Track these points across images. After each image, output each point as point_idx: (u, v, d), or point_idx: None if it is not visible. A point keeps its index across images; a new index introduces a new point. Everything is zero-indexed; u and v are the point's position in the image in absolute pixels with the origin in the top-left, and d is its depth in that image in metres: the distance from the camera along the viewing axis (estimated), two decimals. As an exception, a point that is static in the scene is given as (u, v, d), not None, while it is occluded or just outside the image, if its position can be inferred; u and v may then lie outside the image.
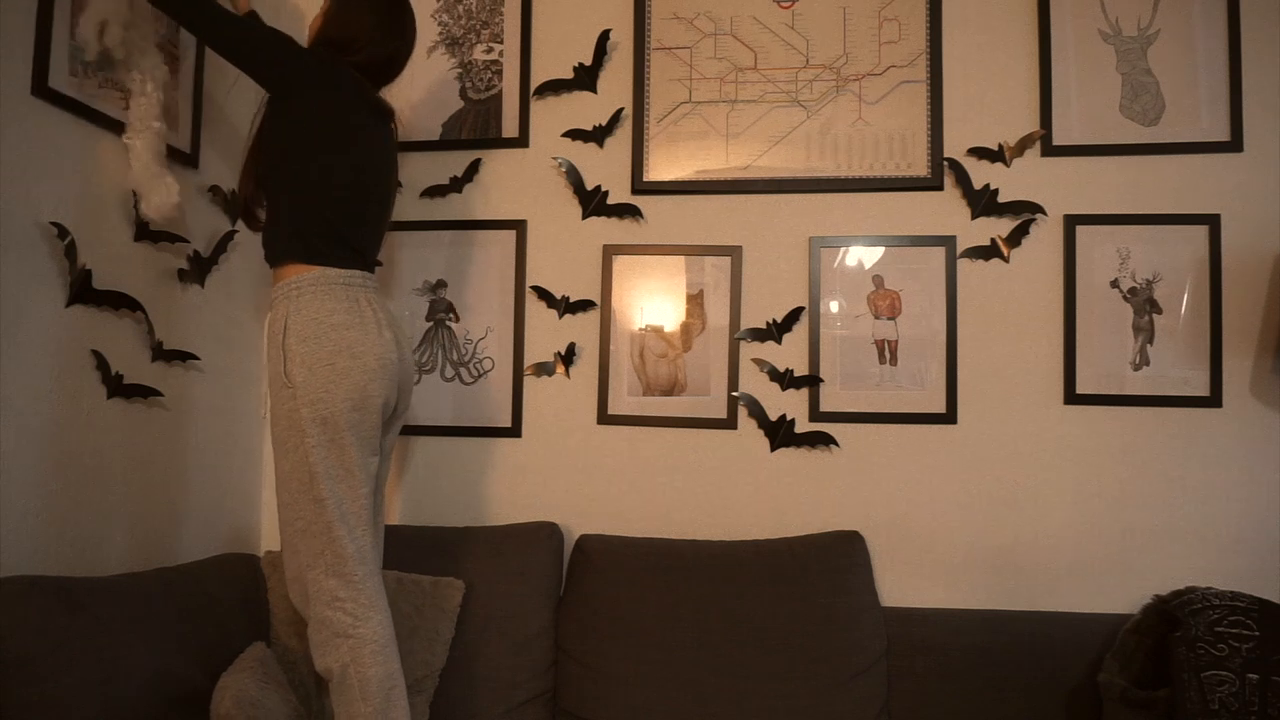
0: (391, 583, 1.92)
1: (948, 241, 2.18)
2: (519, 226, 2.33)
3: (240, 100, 2.16)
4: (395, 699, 1.59)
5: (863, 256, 2.22)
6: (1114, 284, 2.13)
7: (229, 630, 1.79)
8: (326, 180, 1.71)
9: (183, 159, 2.01)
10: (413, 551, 2.04)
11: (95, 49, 1.73)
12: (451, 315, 2.34)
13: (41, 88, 1.63)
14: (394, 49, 1.86)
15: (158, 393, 1.91)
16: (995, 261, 2.18)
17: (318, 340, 1.62)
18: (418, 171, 2.36)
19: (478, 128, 2.36)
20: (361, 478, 1.65)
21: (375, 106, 1.81)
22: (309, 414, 1.60)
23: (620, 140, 2.31)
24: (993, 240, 2.17)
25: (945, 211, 2.20)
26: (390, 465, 1.93)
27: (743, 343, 2.25)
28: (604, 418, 2.27)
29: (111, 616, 1.52)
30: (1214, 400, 2.07)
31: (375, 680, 1.57)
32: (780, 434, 2.20)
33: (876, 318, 2.21)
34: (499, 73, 2.37)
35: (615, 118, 2.31)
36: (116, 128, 1.79)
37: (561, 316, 2.31)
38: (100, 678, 1.43)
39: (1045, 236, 2.16)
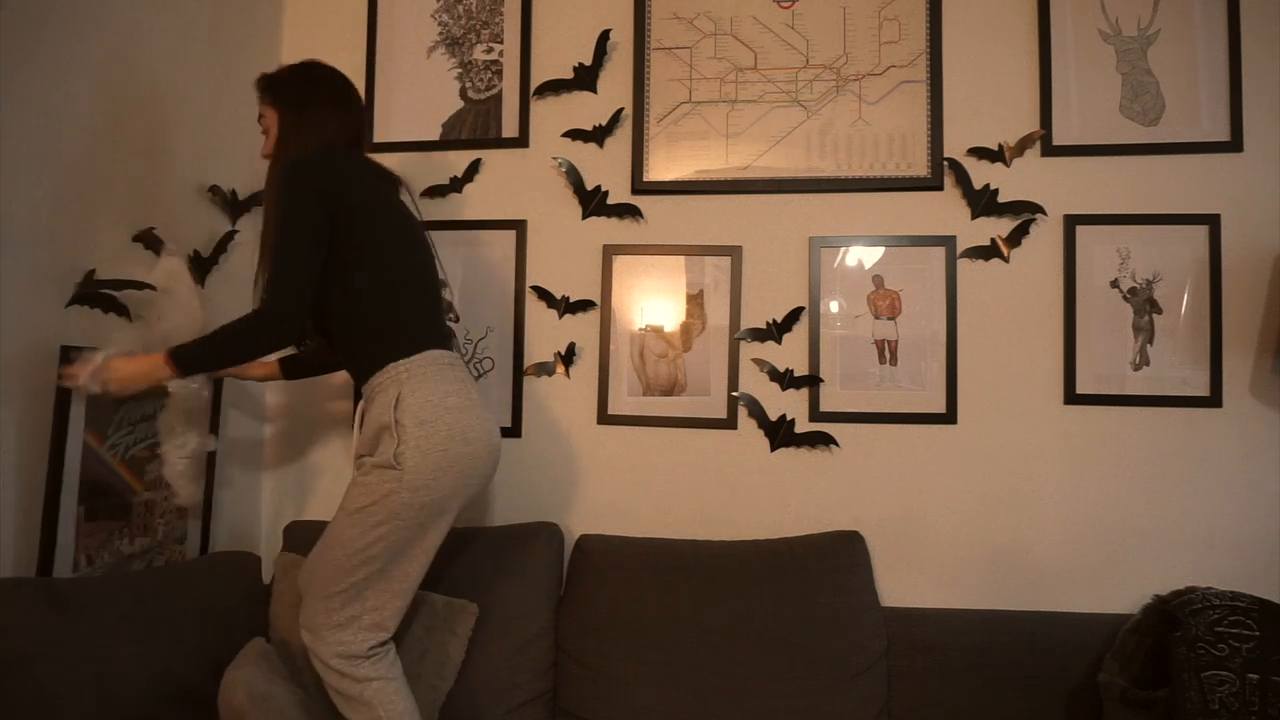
0: None
1: (948, 241, 2.18)
2: (519, 226, 2.33)
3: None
4: None
5: (863, 256, 2.22)
6: (1114, 284, 2.13)
7: (227, 625, 1.79)
8: (392, 278, 1.68)
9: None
10: (413, 551, 2.04)
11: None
12: (451, 315, 2.34)
13: None
14: (357, 123, 1.82)
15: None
16: (995, 261, 2.18)
17: (433, 424, 1.60)
18: (418, 171, 2.35)
19: (478, 128, 2.36)
20: (430, 557, 1.68)
21: (384, 176, 1.80)
22: (411, 499, 1.58)
23: (620, 140, 2.31)
24: (993, 240, 2.17)
25: (945, 211, 2.20)
26: None
27: (743, 343, 2.25)
28: (604, 418, 2.27)
29: (101, 615, 1.52)
30: (1214, 400, 2.07)
31: (406, 715, 1.64)
32: (780, 434, 2.20)
33: (876, 318, 2.21)
34: (499, 73, 2.37)
35: (615, 118, 2.31)
36: None
37: (561, 316, 2.31)
38: (93, 674, 1.44)
39: (1045, 236, 2.16)
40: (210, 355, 1.63)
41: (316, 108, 1.75)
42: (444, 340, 1.75)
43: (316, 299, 1.64)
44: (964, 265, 2.19)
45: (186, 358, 1.59)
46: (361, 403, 1.73)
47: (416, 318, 1.71)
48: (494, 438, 1.72)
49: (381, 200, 1.72)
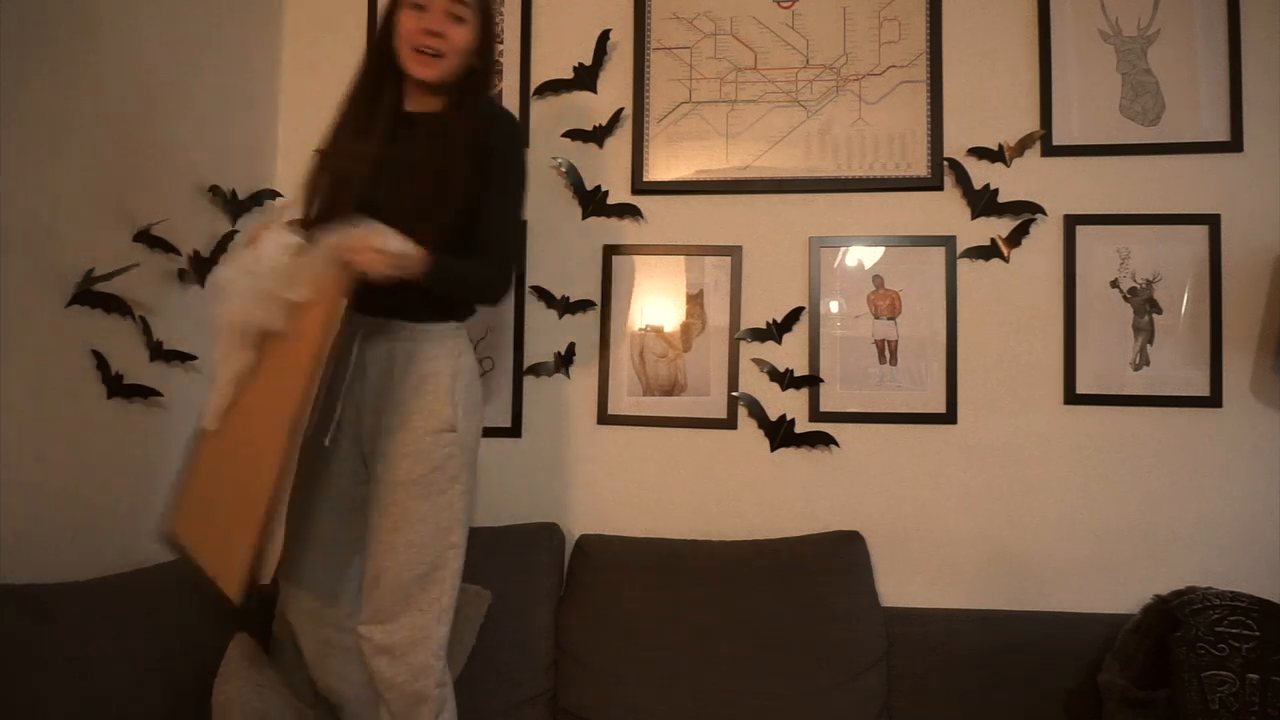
0: None
1: (948, 241, 2.18)
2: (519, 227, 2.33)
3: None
4: None
5: (863, 256, 2.22)
6: (1114, 284, 2.13)
7: (212, 622, 1.75)
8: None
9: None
10: (413, 551, 2.04)
11: None
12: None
13: None
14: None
15: (157, 393, 1.91)
16: (995, 261, 2.18)
17: (471, 388, 1.66)
18: (418, 171, 2.35)
19: (478, 128, 2.36)
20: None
21: None
22: (467, 459, 1.62)
23: (620, 140, 2.31)
24: (993, 240, 2.17)
25: (945, 211, 2.20)
26: None
27: (743, 343, 2.24)
28: (604, 418, 2.27)
29: (77, 617, 1.51)
30: (1214, 400, 2.07)
31: None
32: (780, 434, 2.20)
33: (876, 318, 2.21)
34: (499, 73, 2.37)
35: (615, 118, 2.31)
36: None
37: (561, 317, 2.30)
38: (75, 674, 1.43)
39: (1045, 236, 2.16)
40: (450, 279, 1.56)
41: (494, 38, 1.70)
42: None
43: (465, 227, 1.58)
44: (964, 265, 2.19)
45: (437, 267, 1.51)
46: (387, 342, 1.61)
47: None
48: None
49: None
